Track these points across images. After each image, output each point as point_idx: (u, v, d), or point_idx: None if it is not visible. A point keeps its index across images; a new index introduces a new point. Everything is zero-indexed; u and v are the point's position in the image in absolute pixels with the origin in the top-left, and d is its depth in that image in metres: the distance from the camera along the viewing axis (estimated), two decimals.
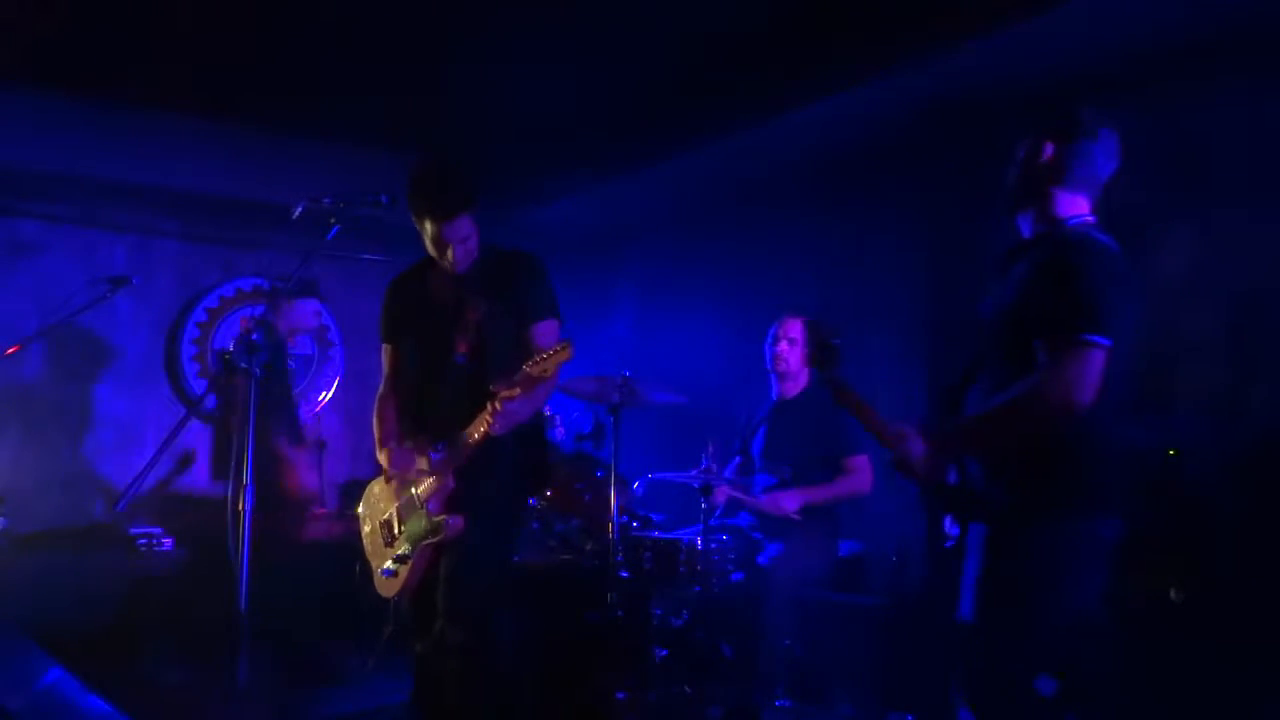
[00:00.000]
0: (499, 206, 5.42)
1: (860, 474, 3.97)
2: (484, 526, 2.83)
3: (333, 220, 3.10)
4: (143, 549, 4.97)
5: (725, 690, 3.64)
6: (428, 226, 2.82)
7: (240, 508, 2.83)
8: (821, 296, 4.75)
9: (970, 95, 3.86)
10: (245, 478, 2.83)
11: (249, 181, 5.35)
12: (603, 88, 4.12)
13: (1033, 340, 2.10)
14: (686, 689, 3.59)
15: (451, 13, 3.50)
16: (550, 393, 3.05)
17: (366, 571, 3.09)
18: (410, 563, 2.86)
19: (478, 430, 2.71)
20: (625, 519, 4.08)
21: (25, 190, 5.32)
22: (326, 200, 3.10)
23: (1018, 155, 2.34)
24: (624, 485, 3.98)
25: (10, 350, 4.10)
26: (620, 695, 3.50)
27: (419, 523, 2.86)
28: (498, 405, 2.64)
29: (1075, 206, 2.26)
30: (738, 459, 4.38)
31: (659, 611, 3.80)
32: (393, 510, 2.98)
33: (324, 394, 6.16)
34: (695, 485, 3.93)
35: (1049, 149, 2.27)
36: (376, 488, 3.12)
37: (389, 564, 2.91)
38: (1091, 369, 2.02)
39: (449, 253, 2.84)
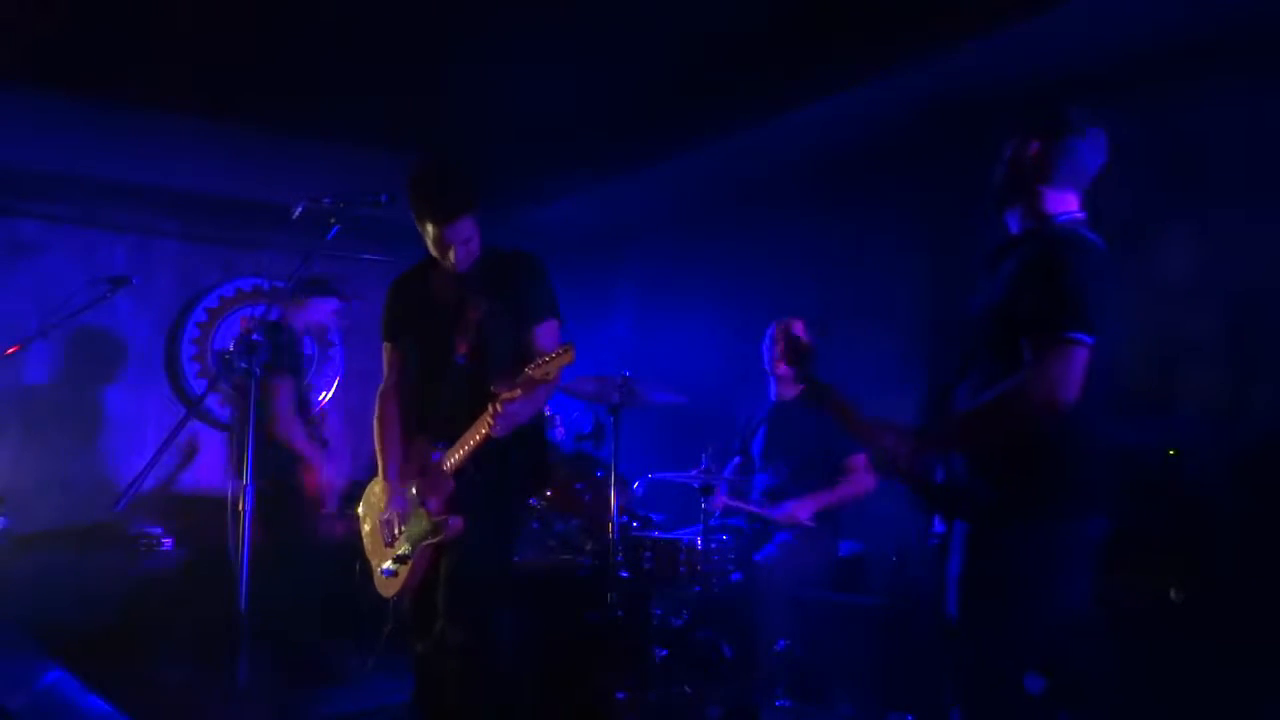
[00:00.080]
0: (499, 206, 5.42)
1: (863, 472, 3.97)
2: (484, 527, 2.83)
3: (333, 220, 3.10)
4: (143, 549, 4.97)
5: (725, 690, 3.64)
6: (429, 228, 2.82)
7: (241, 508, 2.82)
8: (821, 296, 4.74)
9: (970, 95, 3.86)
10: (246, 477, 2.83)
11: (249, 181, 5.35)
12: (603, 88, 4.12)
13: (1019, 338, 2.10)
14: (686, 689, 3.59)
15: (451, 13, 3.50)
16: (551, 395, 3.05)
17: (366, 571, 3.09)
18: (410, 563, 2.86)
19: (478, 432, 2.71)
20: (625, 519, 4.08)
21: (25, 190, 5.33)
22: (326, 200, 3.10)
23: (1004, 154, 2.34)
24: (624, 485, 3.98)
25: (10, 350, 4.10)
26: (620, 695, 3.50)
27: (419, 523, 2.86)
28: (498, 407, 2.64)
29: (1063, 203, 2.26)
30: (737, 459, 4.38)
31: (659, 611, 3.80)
32: (393, 510, 2.98)
33: (324, 394, 6.16)
34: (695, 485, 3.93)
35: (1035, 147, 2.27)
36: (377, 487, 3.11)
37: (389, 564, 2.91)
38: (1075, 366, 2.02)
39: (450, 254, 2.84)
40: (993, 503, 2.15)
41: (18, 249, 5.46)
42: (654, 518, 4.36)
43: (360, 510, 3.18)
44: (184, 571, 4.87)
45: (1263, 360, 3.26)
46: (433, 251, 2.91)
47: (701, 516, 3.88)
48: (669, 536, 3.91)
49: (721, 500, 4.19)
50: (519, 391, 2.60)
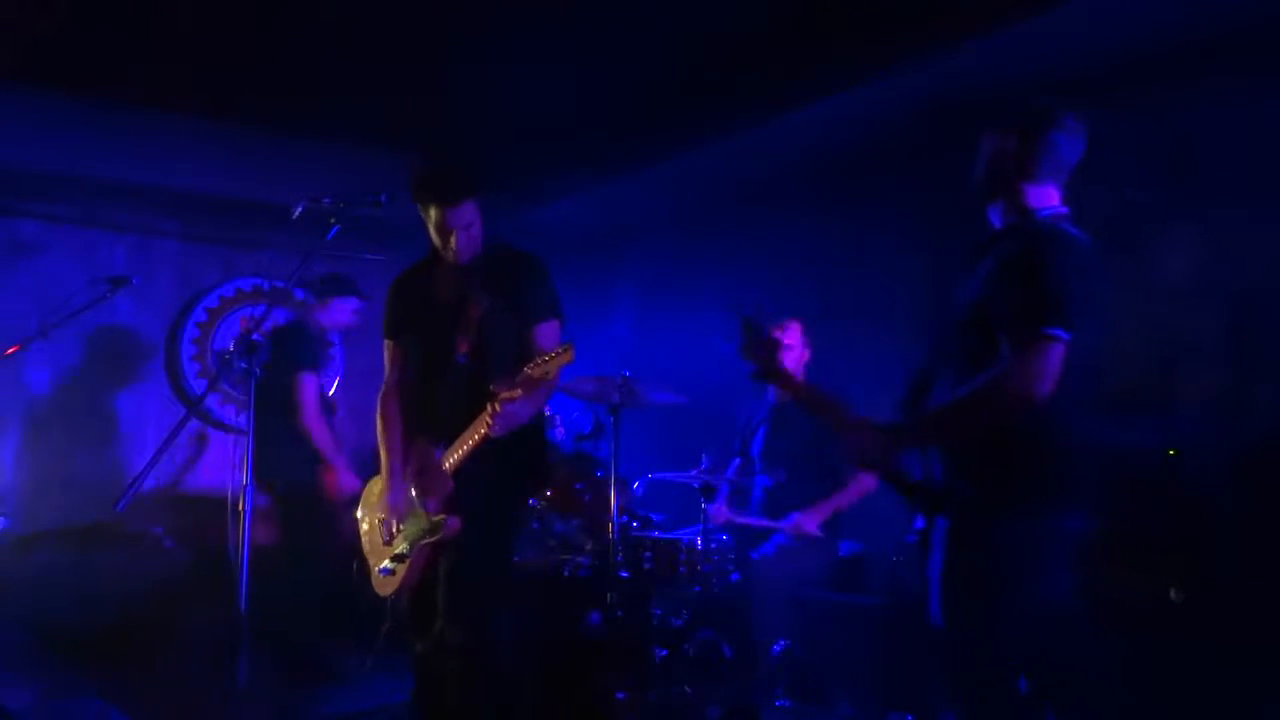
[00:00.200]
0: (499, 206, 5.41)
1: (865, 473, 3.97)
2: (484, 527, 2.83)
3: (333, 220, 3.11)
4: (143, 549, 4.97)
5: (725, 690, 3.64)
6: (432, 212, 2.83)
7: (242, 508, 2.82)
8: (821, 296, 4.74)
9: (970, 95, 3.86)
10: (247, 477, 2.83)
11: (249, 181, 5.35)
12: (603, 88, 4.12)
13: (997, 333, 2.09)
14: (686, 689, 3.59)
15: (451, 13, 3.50)
16: (550, 394, 3.05)
17: (364, 570, 3.09)
18: (408, 562, 2.86)
19: (477, 431, 2.71)
20: (625, 519, 4.08)
21: (25, 190, 5.33)
22: (326, 200, 3.11)
23: (982, 150, 2.33)
24: (624, 485, 3.98)
25: (10, 350, 4.10)
26: (620, 695, 3.49)
27: (417, 522, 2.86)
28: (498, 406, 2.64)
29: (1045, 198, 2.25)
30: (738, 460, 4.38)
31: (659, 611, 3.80)
32: (392, 508, 2.98)
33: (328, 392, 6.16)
34: (695, 485, 3.93)
35: (1014, 143, 2.25)
36: (376, 486, 3.12)
37: (387, 563, 2.91)
38: (1052, 362, 2.01)
39: (452, 240, 2.84)
40: (970, 499, 2.14)
41: (18, 249, 5.46)
42: (654, 518, 4.36)
43: (359, 508, 3.18)
44: (184, 571, 4.87)
45: (1263, 360, 3.26)
46: (435, 240, 2.91)
47: (701, 516, 3.88)
48: (669, 536, 3.90)
49: (723, 512, 4.19)
50: (519, 391, 2.60)
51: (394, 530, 2.96)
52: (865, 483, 3.96)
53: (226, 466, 5.74)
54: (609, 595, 3.62)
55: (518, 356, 2.75)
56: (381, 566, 2.94)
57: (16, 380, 5.36)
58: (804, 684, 3.64)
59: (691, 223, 5.71)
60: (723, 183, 5.21)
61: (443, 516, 2.80)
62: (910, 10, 3.42)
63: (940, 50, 3.55)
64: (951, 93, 3.88)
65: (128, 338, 5.72)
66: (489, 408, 2.66)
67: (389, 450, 2.98)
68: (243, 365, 2.89)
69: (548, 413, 4.39)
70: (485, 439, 2.70)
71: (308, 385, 4.36)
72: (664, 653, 3.69)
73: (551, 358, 2.58)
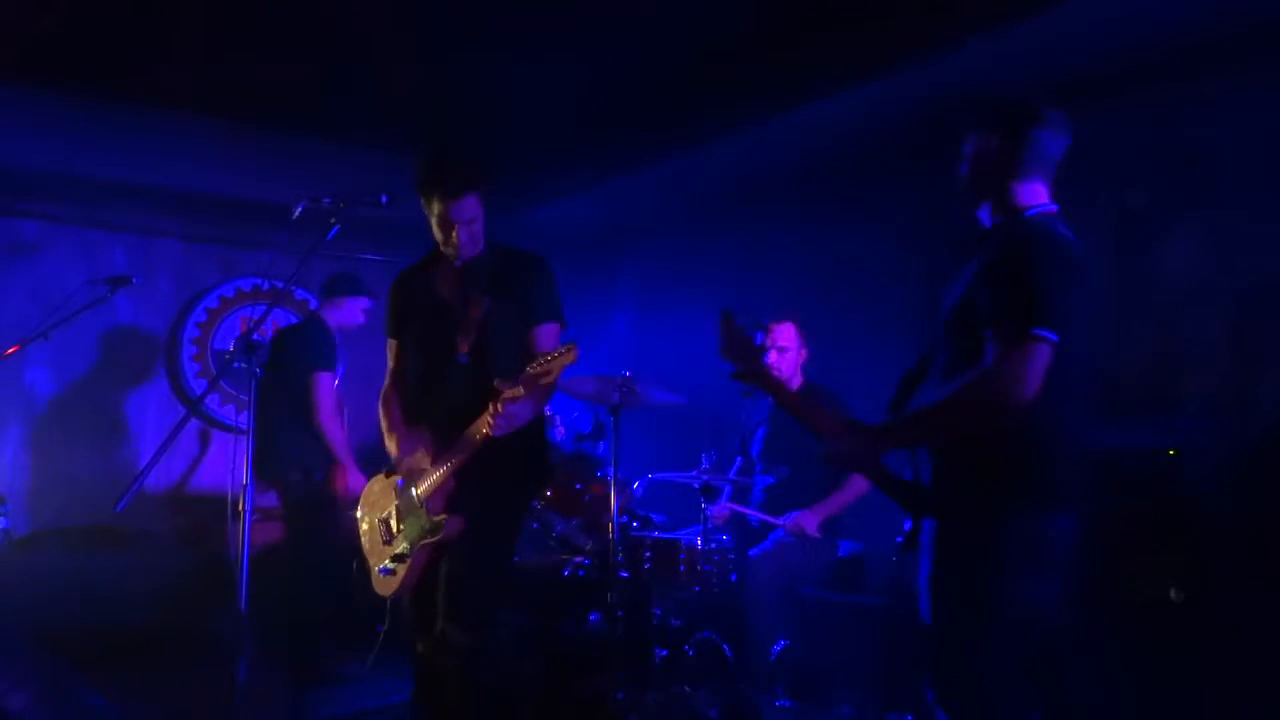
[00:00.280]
0: (499, 206, 5.41)
1: None
2: (484, 527, 2.82)
3: (333, 220, 3.10)
4: (143, 549, 4.97)
5: (725, 690, 3.64)
6: (435, 206, 2.82)
7: (242, 508, 2.82)
8: (821, 296, 4.74)
9: (971, 95, 3.86)
10: (247, 477, 2.83)
11: (249, 181, 5.35)
12: (603, 87, 4.12)
13: (983, 332, 2.07)
14: (686, 689, 3.59)
15: (451, 12, 3.50)
16: (551, 395, 3.05)
17: (364, 569, 3.09)
18: (408, 562, 2.85)
19: (478, 431, 2.71)
20: (625, 519, 4.08)
21: (25, 190, 5.33)
22: (326, 200, 3.11)
23: (965, 151, 2.30)
24: (624, 485, 3.98)
25: (10, 350, 4.10)
26: (620, 695, 3.50)
27: (418, 522, 2.86)
28: (499, 407, 2.63)
29: (1034, 195, 2.23)
30: (739, 460, 4.38)
31: (659, 611, 3.81)
32: (391, 508, 2.98)
33: None
34: (695, 486, 3.93)
35: (997, 142, 2.23)
36: (376, 485, 3.11)
37: (387, 562, 2.91)
38: (1037, 364, 1.99)
39: (454, 235, 2.84)
40: (958, 500, 2.13)
41: (18, 249, 5.47)
42: (654, 518, 4.36)
43: (359, 507, 3.18)
44: (184, 571, 4.87)
45: (1264, 360, 3.26)
46: (437, 235, 2.90)
47: (701, 517, 3.88)
48: (669, 536, 3.91)
49: (725, 507, 4.18)
50: (520, 390, 2.60)
51: (394, 530, 2.96)
52: (860, 483, 3.96)
53: (227, 466, 5.75)
54: (609, 595, 3.62)
55: (518, 357, 2.75)
56: (382, 566, 2.94)
57: (17, 380, 5.37)
58: (804, 684, 3.64)
59: (691, 223, 5.71)
60: (723, 183, 5.21)
61: (443, 516, 2.80)
62: (910, 10, 3.41)
63: (941, 50, 3.55)
64: (952, 92, 3.88)
65: (128, 338, 5.72)
66: (490, 408, 2.65)
67: (392, 438, 2.97)
68: (242, 365, 2.89)
69: (548, 413, 4.39)
70: (486, 439, 2.70)
71: (324, 384, 4.37)
72: (664, 653, 3.69)
73: (554, 358, 2.57)
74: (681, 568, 3.77)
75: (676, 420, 4.62)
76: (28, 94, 4.08)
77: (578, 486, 4.29)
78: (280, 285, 3.28)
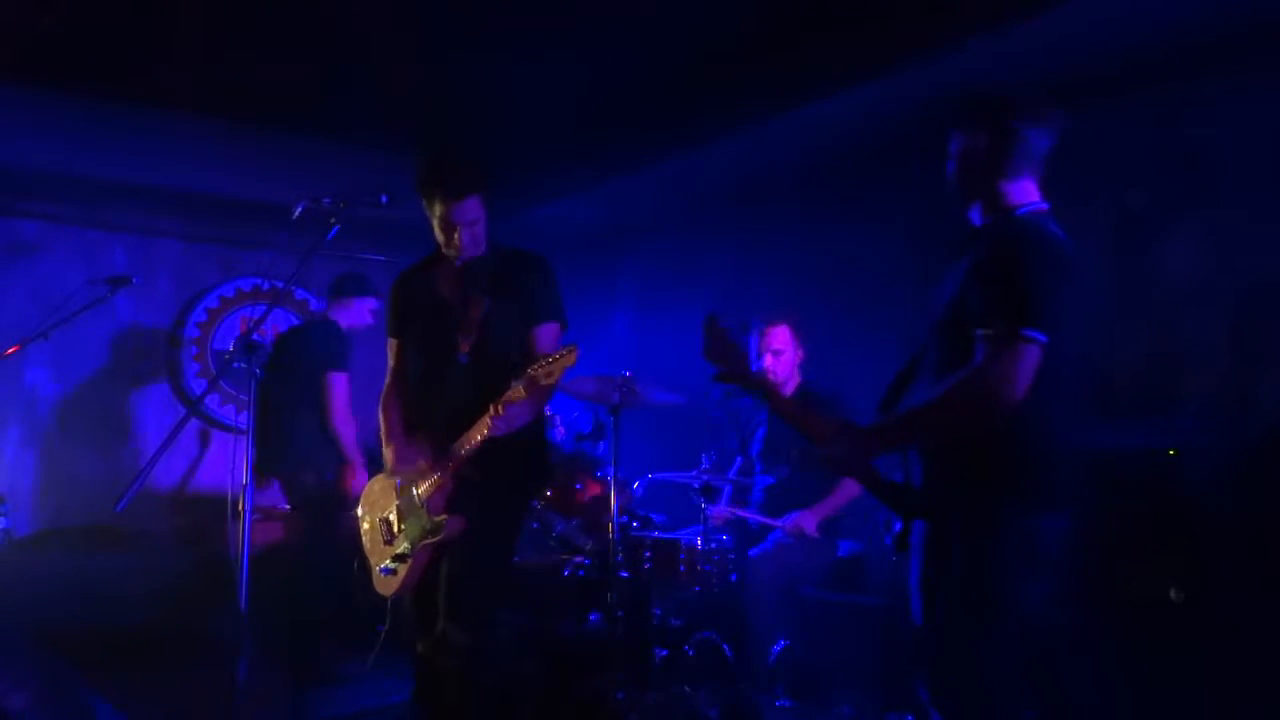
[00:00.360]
0: (499, 206, 5.41)
1: None
2: (484, 527, 2.82)
3: (333, 220, 3.11)
4: (143, 549, 4.97)
5: (725, 690, 3.64)
6: (436, 207, 2.82)
7: (242, 507, 2.82)
8: (821, 296, 4.74)
9: (970, 95, 3.85)
10: (247, 477, 2.83)
11: (249, 181, 5.35)
12: (603, 87, 4.12)
13: (972, 332, 2.06)
14: (686, 689, 3.59)
15: (451, 12, 3.50)
16: (551, 396, 3.05)
17: (365, 569, 3.09)
18: (409, 562, 2.86)
19: (479, 432, 2.71)
20: (625, 519, 4.08)
21: (25, 190, 5.33)
22: (326, 200, 3.11)
23: (951, 150, 2.29)
24: (624, 485, 3.98)
25: (10, 350, 4.10)
26: (620, 695, 3.50)
27: (418, 522, 2.86)
28: (499, 408, 2.64)
29: (1024, 193, 2.21)
30: (739, 460, 4.38)
31: (659, 611, 3.81)
32: (392, 508, 2.98)
33: None
34: (695, 486, 3.93)
35: (984, 141, 2.21)
36: (377, 485, 3.11)
37: (387, 562, 2.91)
38: (1025, 364, 1.98)
39: (456, 236, 2.84)
40: (950, 501, 2.12)
41: (18, 249, 5.47)
42: (654, 518, 4.36)
43: (360, 507, 3.18)
44: (185, 571, 4.87)
45: (1264, 360, 3.26)
46: (439, 236, 2.90)
47: (701, 517, 3.88)
48: (669, 536, 3.91)
49: (724, 509, 4.19)
50: (521, 391, 2.60)
51: (395, 530, 2.96)
52: (852, 484, 3.95)
53: (227, 466, 5.75)
54: (609, 595, 3.62)
55: (519, 356, 2.75)
56: (383, 566, 2.94)
57: (17, 380, 5.37)
58: (804, 684, 3.65)
59: (691, 223, 5.71)
60: (723, 183, 5.21)
61: (444, 517, 2.80)
62: (910, 10, 3.41)
63: (941, 50, 3.55)
64: (953, 92, 3.87)
65: (128, 338, 5.72)
66: (491, 409, 2.65)
67: (390, 448, 2.98)
68: (242, 365, 2.89)
69: (548, 413, 4.39)
70: (486, 439, 2.70)
71: (338, 385, 4.37)
72: (664, 653, 3.69)
73: (555, 359, 2.58)
74: (681, 568, 3.77)
75: (676, 420, 4.62)
76: (28, 94, 4.08)
77: (578, 486, 4.29)
78: (280, 285, 3.28)
